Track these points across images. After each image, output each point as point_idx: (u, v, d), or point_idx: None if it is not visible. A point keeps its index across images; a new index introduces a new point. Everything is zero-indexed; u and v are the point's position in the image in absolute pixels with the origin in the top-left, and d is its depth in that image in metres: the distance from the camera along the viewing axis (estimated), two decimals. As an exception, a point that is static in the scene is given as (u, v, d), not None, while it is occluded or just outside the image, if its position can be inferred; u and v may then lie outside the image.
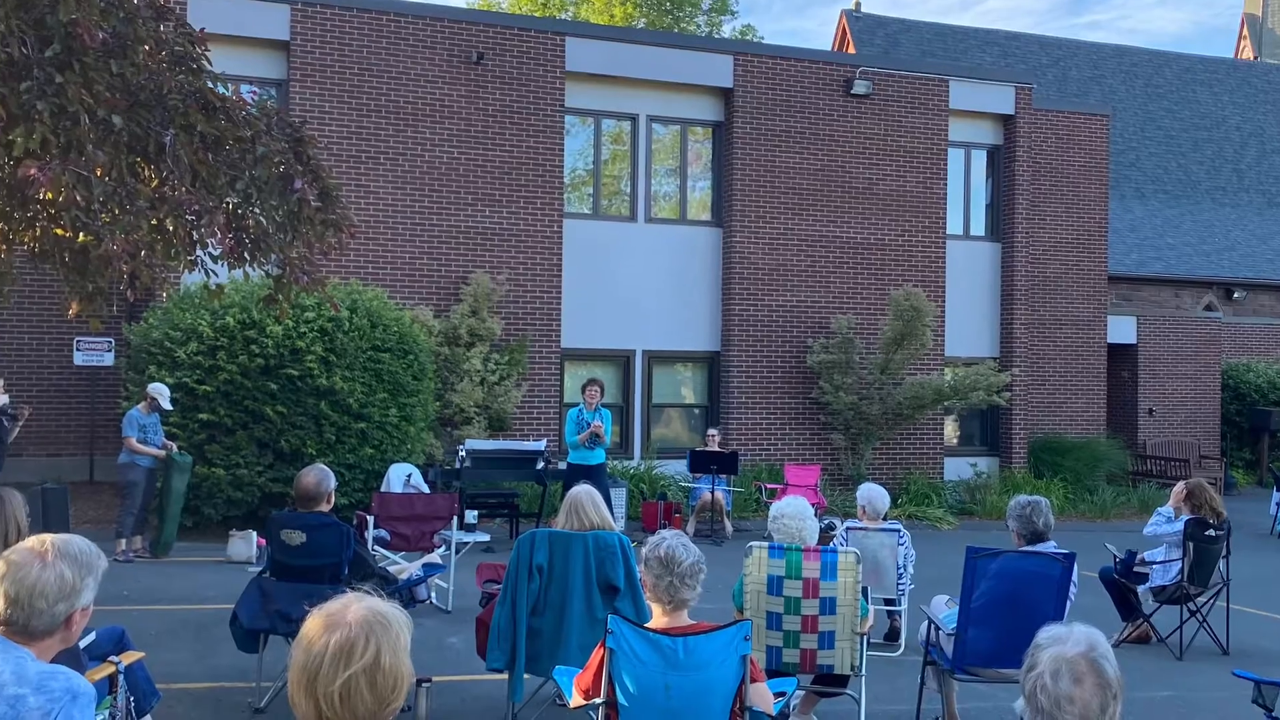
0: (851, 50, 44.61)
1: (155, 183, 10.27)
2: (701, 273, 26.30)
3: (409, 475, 17.53)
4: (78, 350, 22.35)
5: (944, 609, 10.19)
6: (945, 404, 26.80)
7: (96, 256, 9.61)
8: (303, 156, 11.18)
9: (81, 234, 9.61)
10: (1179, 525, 13.80)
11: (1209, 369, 34.28)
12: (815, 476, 23.59)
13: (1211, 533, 13.72)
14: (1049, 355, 31.16)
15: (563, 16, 53.81)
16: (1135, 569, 14.23)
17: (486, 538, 17.24)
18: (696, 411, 26.71)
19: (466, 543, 16.13)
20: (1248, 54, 72.16)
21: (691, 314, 26.21)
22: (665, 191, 26.67)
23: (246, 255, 10.92)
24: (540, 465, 20.63)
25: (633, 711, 6.34)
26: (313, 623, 3.39)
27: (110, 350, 22.44)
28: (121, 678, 7.42)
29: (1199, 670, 12.89)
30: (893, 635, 13.13)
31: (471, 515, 17.12)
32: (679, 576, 6.35)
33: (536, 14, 52.96)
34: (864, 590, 8.86)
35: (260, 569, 10.35)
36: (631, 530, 21.06)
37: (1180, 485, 14.16)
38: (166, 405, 17.66)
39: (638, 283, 25.63)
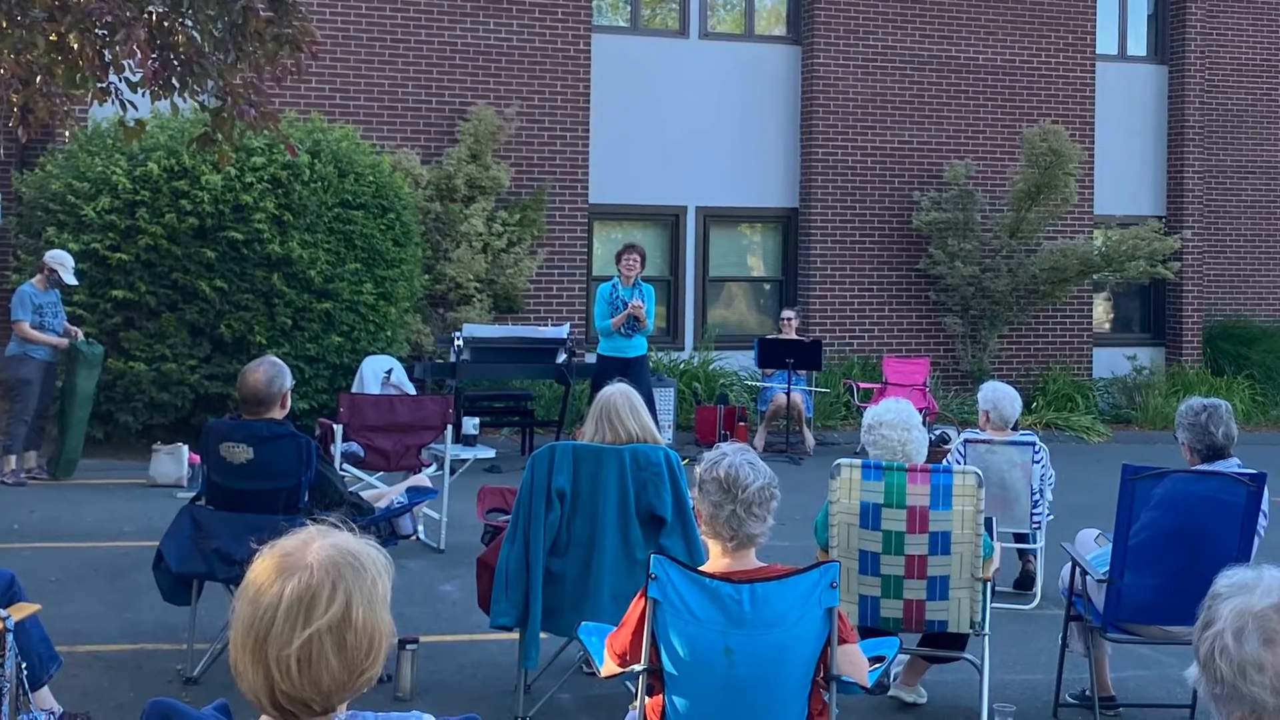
0: None
1: (53, -15, 10.22)
2: (773, 105, 26.17)
3: (389, 371, 17.61)
4: (-46, 207, 22.45)
5: (1093, 548, 10.17)
6: (1094, 277, 26.70)
7: (-24, 83, 9.59)
8: (247, -50, 11.11)
9: (-44, 54, 9.59)
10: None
11: None
12: (923, 373, 23.58)
13: None
14: (1231, 214, 30.91)
15: None
16: (1345, 495, 14.21)
17: (491, 453, 17.33)
18: (767, 288, 26.71)
19: (465, 460, 16.19)
20: None
21: (760, 159, 26.10)
22: (725, -3, 26.54)
23: (175, 81, 10.89)
24: (561, 358, 20.65)
25: (684, 682, 6.32)
26: (262, 565, 3.38)
27: (-3, 207, 22.54)
28: (10, 637, 7.46)
29: None
30: (1025, 582, 13.13)
31: (471, 424, 17.15)
32: (744, 504, 6.33)
33: None
34: (988, 523, 8.83)
35: (193, 494, 10.40)
36: (682, 443, 21.14)
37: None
38: (70, 279, 17.67)
39: (690, 118, 25.48)
